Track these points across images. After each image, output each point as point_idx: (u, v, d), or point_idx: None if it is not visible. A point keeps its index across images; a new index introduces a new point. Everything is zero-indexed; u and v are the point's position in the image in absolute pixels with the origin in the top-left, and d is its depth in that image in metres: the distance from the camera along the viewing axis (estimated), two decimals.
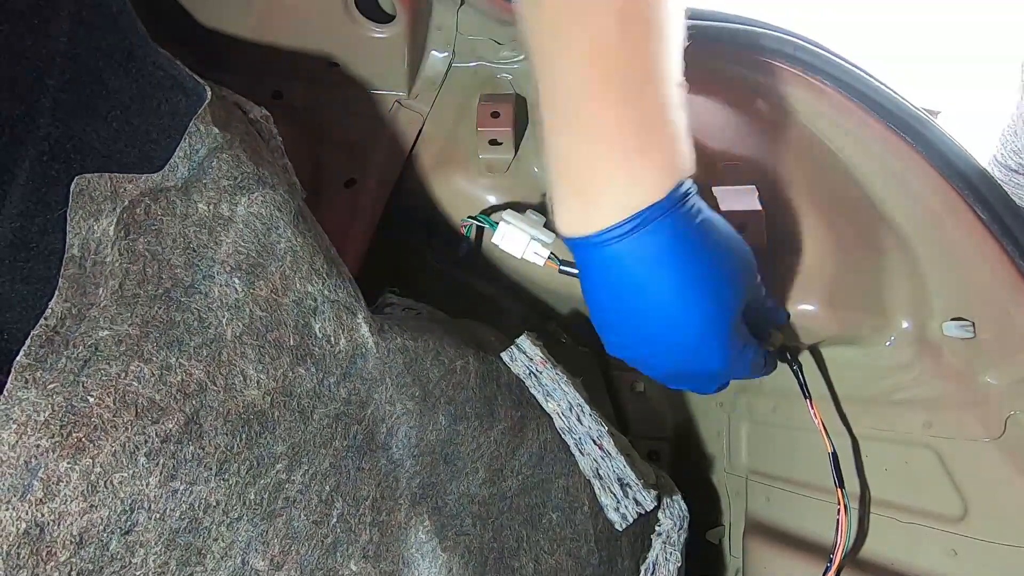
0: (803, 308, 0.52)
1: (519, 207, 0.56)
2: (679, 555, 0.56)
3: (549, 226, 0.52)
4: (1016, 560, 0.45)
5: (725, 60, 0.56)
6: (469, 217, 0.55)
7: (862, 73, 0.54)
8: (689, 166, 0.38)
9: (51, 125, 0.38)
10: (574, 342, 0.77)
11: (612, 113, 0.36)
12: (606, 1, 0.34)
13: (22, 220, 0.36)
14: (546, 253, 0.51)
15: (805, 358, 0.60)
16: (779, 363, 0.52)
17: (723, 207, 0.51)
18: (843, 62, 0.54)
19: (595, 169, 0.37)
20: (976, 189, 0.49)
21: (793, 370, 0.51)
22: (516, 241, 0.51)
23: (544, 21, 0.36)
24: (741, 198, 0.52)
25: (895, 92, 0.53)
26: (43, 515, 0.32)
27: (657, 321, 0.40)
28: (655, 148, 0.37)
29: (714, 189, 0.53)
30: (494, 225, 0.52)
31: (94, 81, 0.40)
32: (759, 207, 0.51)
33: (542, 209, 0.55)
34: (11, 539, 0.32)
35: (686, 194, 0.38)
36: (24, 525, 0.32)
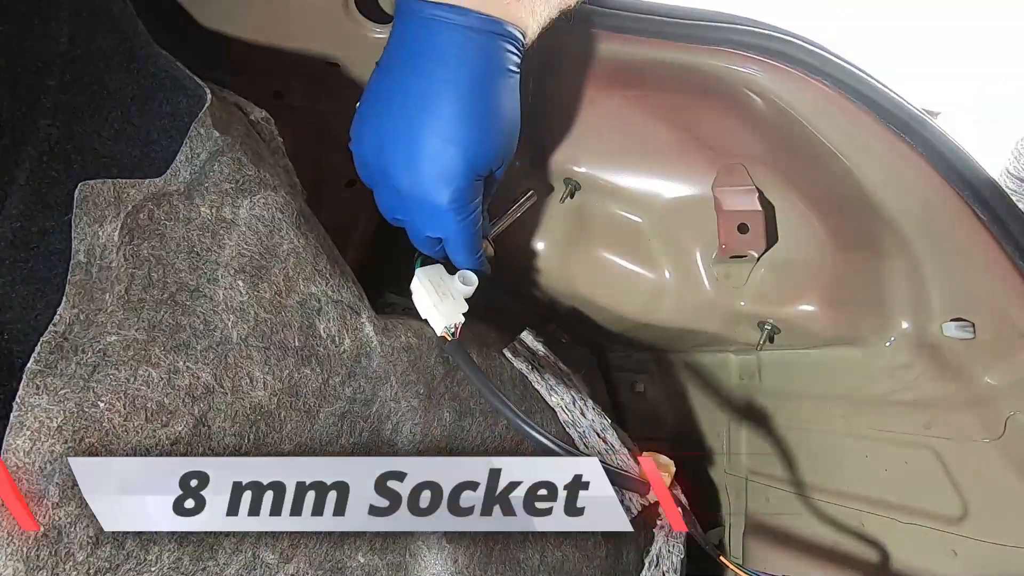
0: (803, 308, 0.52)
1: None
2: (682, 547, 0.56)
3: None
4: (1016, 560, 0.45)
5: (726, 61, 0.56)
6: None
7: (862, 74, 0.54)
8: (534, 32, 0.45)
9: (51, 126, 0.38)
10: (574, 342, 0.77)
11: None
12: None
13: (22, 220, 0.36)
14: (441, 327, 0.47)
15: (806, 357, 0.60)
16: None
17: (723, 207, 0.51)
18: (844, 63, 0.54)
19: None
20: (976, 190, 0.49)
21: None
22: (420, 301, 0.49)
23: None
24: (741, 198, 0.52)
25: (895, 93, 0.53)
26: (60, 518, 0.33)
27: (421, 119, 0.43)
28: None
29: (714, 189, 0.53)
30: (414, 269, 0.50)
31: (94, 82, 0.40)
32: (759, 208, 0.51)
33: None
34: (30, 541, 0.32)
35: (520, 45, 0.44)
36: (42, 528, 0.33)
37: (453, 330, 0.47)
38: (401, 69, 0.44)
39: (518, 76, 0.46)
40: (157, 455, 0.35)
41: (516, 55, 0.45)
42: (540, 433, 0.41)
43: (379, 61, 0.46)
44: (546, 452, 0.42)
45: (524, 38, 0.45)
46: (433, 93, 0.43)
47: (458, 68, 0.43)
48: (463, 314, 0.48)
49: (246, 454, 0.38)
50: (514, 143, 0.47)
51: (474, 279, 0.50)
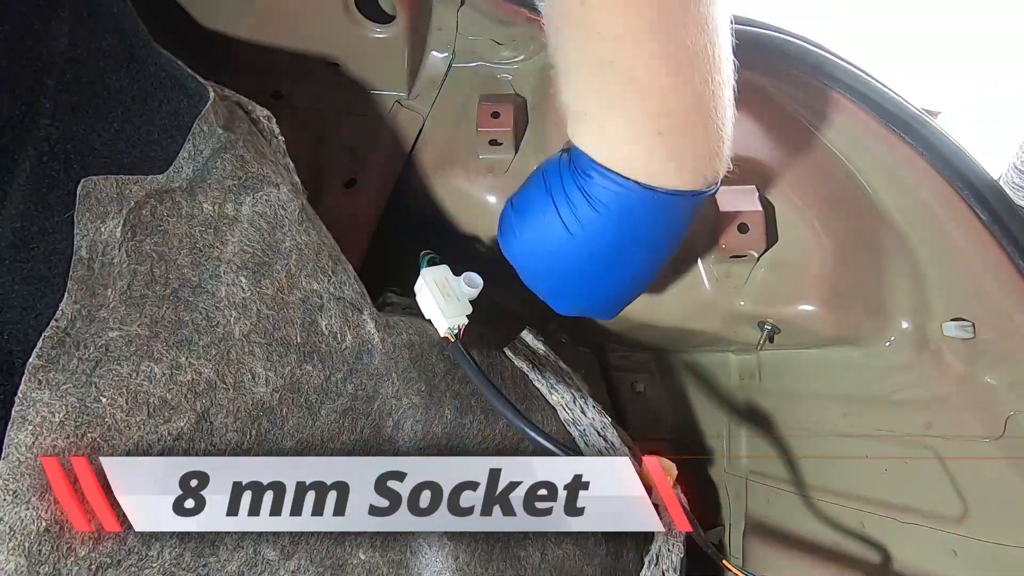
0: (803, 308, 0.52)
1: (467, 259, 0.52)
2: (681, 547, 0.56)
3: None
4: (1016, 560, 0.45)
5: None
6: (425, 251, 0.52)
7: (863, 74, 0.54)
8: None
9: (51, 126, 0.38)
10: (574, 342, 0.77)
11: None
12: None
13: (22, 220, 0.36)
14: (444, 328, 0.47)
15: (806, 357, 0.60)
16: None
17: (723, 207, 0.51)
18: (844, 63, 0.54)
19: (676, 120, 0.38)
20: (976, 189, 0.49)
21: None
22: (424, 301, 0.49)
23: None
24: (741, 198, 0.52)
25: (895, 93, 0.53)
26: (62, 513, 0.33)
27: (609, 275, 0.45)
28: (722, 131, 0.40)
29: None
30: (419, 268, 0.50)
31: (95, 82, 0.40)
32: (759, 208, 0.51)
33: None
34: (32, 536, 0.32)
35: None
36: (44, 523, 0.33)
37: (456, 331, 0.46)
38: (593, 229, 0.41)
39: None
40: (159, 451, 0.36)
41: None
42: (541, 435, 0.41)
43: (545, 179, 0.43)
44: (549, 454, 0.42)
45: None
46: (626, 257, 0.43)
47: (664, 241, 0.43)
48: (467, 315, 0.48)
49: (248, 450, 0.39)
50: None
51: (479, 281, 0.50)
